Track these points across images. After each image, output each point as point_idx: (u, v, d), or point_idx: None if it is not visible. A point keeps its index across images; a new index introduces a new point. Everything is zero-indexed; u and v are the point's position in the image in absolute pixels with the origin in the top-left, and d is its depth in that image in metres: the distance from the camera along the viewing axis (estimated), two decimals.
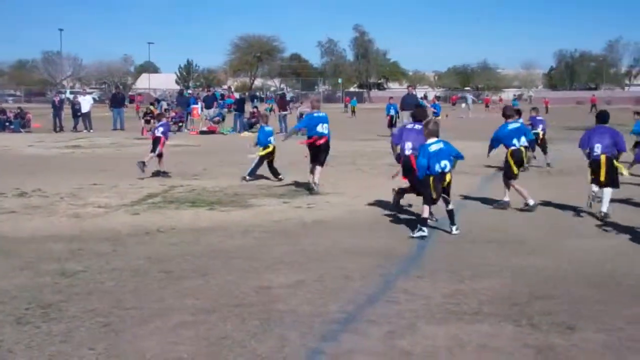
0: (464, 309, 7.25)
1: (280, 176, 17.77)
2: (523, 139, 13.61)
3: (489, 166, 19.68)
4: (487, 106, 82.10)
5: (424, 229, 10.88)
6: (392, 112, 35.53)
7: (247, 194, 15.36)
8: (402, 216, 12.62)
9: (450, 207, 11.33)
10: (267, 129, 18.66)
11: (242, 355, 6.02)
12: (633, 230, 11.33)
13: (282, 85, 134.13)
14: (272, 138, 18.36)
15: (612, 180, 12.61)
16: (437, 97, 57.54)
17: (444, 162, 11.11)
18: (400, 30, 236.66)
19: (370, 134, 35.62)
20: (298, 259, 9.41)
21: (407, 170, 12.37)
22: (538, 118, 21.62)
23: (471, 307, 7.31)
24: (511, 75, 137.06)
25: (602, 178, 12.56)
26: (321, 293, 7.81)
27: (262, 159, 18.07)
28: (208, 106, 40.05)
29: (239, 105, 40.40)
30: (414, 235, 10.79)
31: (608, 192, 12.55)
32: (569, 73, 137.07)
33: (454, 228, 11.15)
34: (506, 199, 13.54)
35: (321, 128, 15.93)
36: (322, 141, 15.83)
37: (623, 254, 9.79)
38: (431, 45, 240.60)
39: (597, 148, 12.70)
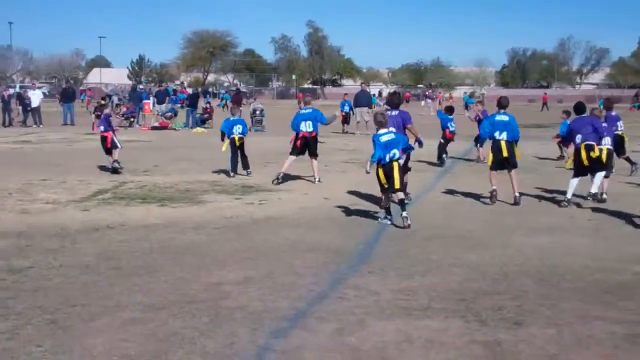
0: (413, 305, 7.31)
1: (232, 174, 17.72)
2: (505, 133, 14.01)
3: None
4: (439, 103, 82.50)
5: (388, 217, 11.56)
6: (347, 108, 35.65)
7: (198, 190, 15.30)
8: (353, 212, 12.68)
9: (401, 196, 11.61)
10: (232, 119, 18.54)
11: (191, 352, 6.01)
12: (574, 226, 11.56)
13: (235, 81, 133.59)
14: (237, 128, 18.16)
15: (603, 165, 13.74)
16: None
17: (394, 151, 11.57)
18: (355, 27, 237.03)
19: (324, 131, 35.61)
20: (249, 256, 9.41)
21: None
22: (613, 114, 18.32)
23: (420, 303, 7.38)
24: (464, 73, 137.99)
25: (585, 163, 13.61)
26: (271, 289, 7.83)
27: (231, 150, 18.03)
28: (160, 101, 39.79)
29: (192, 101, 40.16)
30: (381, 221, 11.56)
31: (599, 175, 13.67)
32: (521, 71, 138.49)
33: (404, 213, 11.36)
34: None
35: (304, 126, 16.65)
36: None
37: (565, 249, 9.95)
38: (385, 42, 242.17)
39: (578, 138, 13.77)
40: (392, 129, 12.37)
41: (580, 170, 13.84)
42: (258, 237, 10.61)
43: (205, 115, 39.30)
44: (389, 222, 11.57)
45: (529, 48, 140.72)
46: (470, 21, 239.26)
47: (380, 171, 11.62)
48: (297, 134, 16.69)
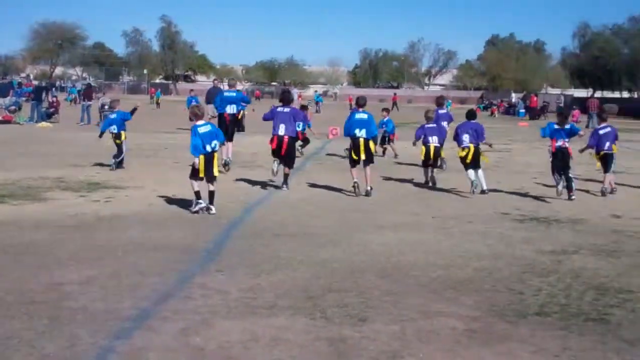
0: (260, 303, 7.32)
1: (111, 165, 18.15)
2: (364, 131, 14.89)
3: None
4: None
5: (199, 201, 12.36)
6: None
7: (42, 187, 14.79)
8: (200, 210, 12.58)
9: (212, 188, 12.46)
10: (112, 116, 19.12)
11: (30, 354, 5.81)
12: (419, 223, 11.90)
13: (84, 75, 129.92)
14: (112, 127, 18.69)
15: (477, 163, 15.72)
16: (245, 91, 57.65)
17: (214, 143, 12.51)
18: (209, 23, 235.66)
19: (173, 127, 35.22)
20: (92, 255, 9.17)
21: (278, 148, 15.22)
22: None
23: (267, 301, 7.39)
24: (317, 72, 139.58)
25: (469, 161, 15.61)
26: (115, 289, 7.66)
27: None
28: (3, 95, 38.35)
29: (37, 94, 38.85)
30: (193, 210, 12.31)
31: (480, 173, 15.57)
32: (373, 71, 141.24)
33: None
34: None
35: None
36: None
37: (410, 245, 10.20)
38: (239, 39, 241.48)
39: (466, 139, 15.69)
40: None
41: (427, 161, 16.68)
42: (103, 236, 10.37)
43: (51, 110, 38.11)
44: (195, 208, 12.37)
45: (381, 49, 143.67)
46: (324, 21, 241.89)
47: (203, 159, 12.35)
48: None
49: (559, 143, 14.92)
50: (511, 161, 22.99)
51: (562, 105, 69.15)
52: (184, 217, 12.00)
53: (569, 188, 14.78)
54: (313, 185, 16.11)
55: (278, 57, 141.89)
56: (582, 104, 62.45)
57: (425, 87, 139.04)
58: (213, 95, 34.90)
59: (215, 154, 12.55)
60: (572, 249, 10.16)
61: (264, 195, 14.71)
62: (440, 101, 21.07)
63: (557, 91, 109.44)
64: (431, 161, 16.85)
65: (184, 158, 20.34)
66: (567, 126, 15.28)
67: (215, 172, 12.56)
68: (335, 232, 11.06)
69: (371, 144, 15.08)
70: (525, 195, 15.54)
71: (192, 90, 38.67)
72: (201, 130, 12.43)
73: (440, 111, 19.63)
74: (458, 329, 6.69)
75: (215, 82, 38.93)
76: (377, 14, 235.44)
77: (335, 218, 12.31)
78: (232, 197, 14.11)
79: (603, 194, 15.87)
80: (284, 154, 15.23)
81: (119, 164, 18.19)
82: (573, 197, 14.61)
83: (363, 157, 14.85)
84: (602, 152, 16.18)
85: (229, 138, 17.82)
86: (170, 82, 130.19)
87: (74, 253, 9.25)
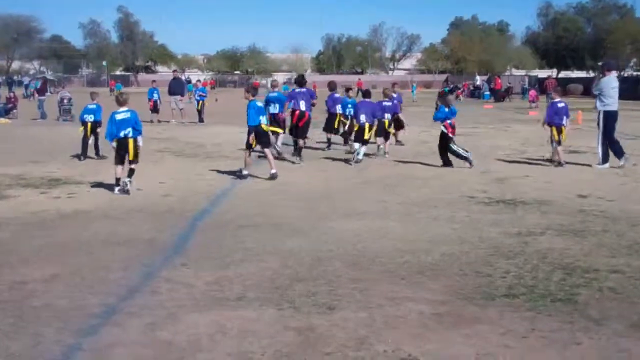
0: (228, 295, 7.34)
1: (82, 158, 18.98)
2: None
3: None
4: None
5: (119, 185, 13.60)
6: (155, 96, 35.07)
7: (2, 184, 14.66)
8: (167, 202, 12.57)
9: (133, 167, 13.76)
10: (90, 106, 19.59)
11: None
12: (386, 210, 11.97)
13: (42, 68, 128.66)
14: (88, 116, 19.33)
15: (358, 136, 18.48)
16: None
17: (128, 130, 13.57)
18: (168, 12, 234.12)
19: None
20: (55, 252, 9.12)
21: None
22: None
23: (235, 293, 7.41)
24: (281, 59, 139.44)
25: (366, 137, 18.32)
26: (79, 286, 7.63)
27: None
28: None
29: None
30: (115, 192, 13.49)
31: (363, 148, 18.20)
32: (336, 57, 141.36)
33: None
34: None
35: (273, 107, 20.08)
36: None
37: (376, 233, 10.26)
38: (200, 28, 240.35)
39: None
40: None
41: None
42: (66, 232, 10.31)
43: (9, 105, 37.69)
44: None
45: (344, 34, 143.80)
46: (286, 7, 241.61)
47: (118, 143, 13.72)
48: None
49: (362, 121, 18.12)
50: (478, 144, 23.14)
51: (526, 86, 69.76)
52: (147, 211, 11.96)
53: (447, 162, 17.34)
54: (279, 175, 16.10)
55: (240, 45, 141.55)
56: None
57: (390, 72, 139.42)
58: (174, 87, 34.97)
59: (130, 140, 13.62)
60: (538, 230, 10.29)
61: (229, 186, 14.71)
62: (332, 86, 22.55)
63: (521, 72, 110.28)
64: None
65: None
66: (448, 109, 17.45)
67: (131, 157, 13.68)
68: (302, 221, 11.09)
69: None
70: (491, 178, 15.67)
71: (154, 81, 38.46)
72: (118, 117, 13.60)
73: (336, 95, 22.11)
74: (425, 313, 6.76)
75: (175, 73, 38.82)
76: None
77: (302, 207, 12.34)
78: (196, 189, 14.11)
79: (560, 164, 17.41)
80: (302, 125, 18.81)
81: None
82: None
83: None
84: (560, 126, 17.62)
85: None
86: (131, 73, 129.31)
87: (37, 251, 9.19)
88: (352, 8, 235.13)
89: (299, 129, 18.88)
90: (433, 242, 9.62)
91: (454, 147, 17.40)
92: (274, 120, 20.05)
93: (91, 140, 19.34)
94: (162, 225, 10.77)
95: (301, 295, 7.31)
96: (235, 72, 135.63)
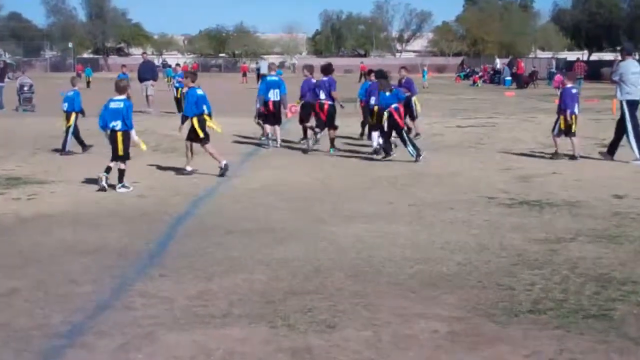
0: (212, 312, 7.32)
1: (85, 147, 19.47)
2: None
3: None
4: (244, 75, 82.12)
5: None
6: None
7: None
8: (142, 204, 12.56)
9: (122, 167, 14.23)
10: (69, 94, 19.70)
11: None
12: (394, 213, 11.96)
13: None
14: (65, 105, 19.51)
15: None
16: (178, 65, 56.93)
17: (117, 122, 14.17)
18: None
19: None
20: (14, 262, 9.11)
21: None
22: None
23: (220, 309, 7.39)
24: (272, 40, 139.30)
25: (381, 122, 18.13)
26: (42, 302, 7.62)
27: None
28: None
29: None
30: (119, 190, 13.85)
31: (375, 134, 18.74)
32: (336, 38, 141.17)
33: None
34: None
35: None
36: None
37: (383, 238, 10.26)
38: (179, 4, 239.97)
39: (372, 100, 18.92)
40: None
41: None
42: (26, 240, 10.30)
43: None
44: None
45: (344, 11, 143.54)
46: None
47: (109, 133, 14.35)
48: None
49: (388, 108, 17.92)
50: (497, 137, 23.17)
51: (553, 70, 69.74)
52: (120, 215, 11.94)
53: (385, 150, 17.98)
54: (270, 173, 16.11)
55: (226, 24, 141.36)
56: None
57: (397, 54, 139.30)
58: (144, 71, 34.93)
59: (119, 134, 14.16)
60: (568, 236, 10.28)
61: (214, 185, 14.68)
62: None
63: (548, 55, 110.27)
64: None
65: None
66: (388, 93, 18.20)
67: (120, 152, 14.15)
68: (298, 226, 11.09)
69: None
70: (514, 176, 15.66)
71: (124, 65, 38.42)
72: (112, 105, 14.32)
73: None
74: (440, 332, 6.75)
75: (145, 55, 38.95)
76: None
77: (298, 209, 12.33)
78: (176, 189, 14.10)
79: (574, 157, 17.78)
80: (325, 117, 19.54)
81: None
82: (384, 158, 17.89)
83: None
84: (573, 115, 17.96)
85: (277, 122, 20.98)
86: (101, 56, 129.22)
87: None
88: None
89: (320, 121, 19.78)
90: (448, 250, 9.61)
91: (405, 135, 18.18)
92: (274, 108, 20.39)
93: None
94: (137, 231, 10.76)
95: (296, 311, 7.29)
96: (221, 54, 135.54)
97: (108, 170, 14.08)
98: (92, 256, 9.37)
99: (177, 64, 48.34)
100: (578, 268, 8.70)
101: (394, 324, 6.96)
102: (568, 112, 17.75)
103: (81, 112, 19.72)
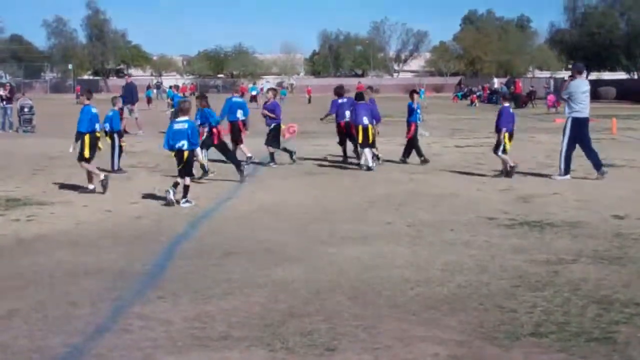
0: (210, 334, 7.26)
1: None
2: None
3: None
4: (242, 96, 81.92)
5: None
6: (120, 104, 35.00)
7: None
8: (139, 226, 12.50)
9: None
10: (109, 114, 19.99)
11: None
12: (392, 233, 11.91)
13: (0, 73, 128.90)
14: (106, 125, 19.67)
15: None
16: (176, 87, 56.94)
17: (183, 142, 14.65)
18: (141, 9, 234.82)
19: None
20: (13, 284, 9.06)
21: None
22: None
23: (219, 332, 7.33)
24: (270, 61, 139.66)
25: (371, 140, 20.39)
26: (41, 324, 7.56)
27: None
28: None
29: None
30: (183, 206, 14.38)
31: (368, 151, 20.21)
32: (334, 58, 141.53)
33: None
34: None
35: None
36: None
37: (382, 259, 10.21)
38: (178, 26, 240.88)
39: (365, 119, 20.29)
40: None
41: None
42: (25, 261, 10.25)
43: None
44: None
45: (342, 31, 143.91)
46: (276, 1, 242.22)
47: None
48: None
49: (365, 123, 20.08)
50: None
51: (550, 90, 69.87)
52: (119, 237, 11.88)
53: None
54: (268, 194, 16.06)
55: (224, 45, 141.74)
56: None
57: (395, 74, 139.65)
58: (125, 95, 34.98)
59: (186, 153, 14.65)
60: (570, 258, 10.22)
61: (212, 206, 14.64)
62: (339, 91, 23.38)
63: (546, 74, 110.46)
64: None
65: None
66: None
67: (186, 169, 14.72)
68: (296, 247, 11.03)
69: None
70: (514, 196, 15.61)
71: (177, 87, 39.07)
72: (176, 127, 14.85)
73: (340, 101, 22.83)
74: (441, 355, 6.68)
75: (127, 78, 39.46)
76: None
77: (296, 230, 12.28)
78: (174, 210, 14.04)
79: (509, 172, 18.42)
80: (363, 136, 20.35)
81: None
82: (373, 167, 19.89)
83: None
84: (511, 132, 19.08)
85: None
86: (100, 78, 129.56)
87: None
88: (350, 1, 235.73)
89: (353, 138, 21.31)
90: (448, 271, 9.55)
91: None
92: (238, 129, 20.93)
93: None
94: (135, 253, 10.70)
95: (295, 334, 7.23)
96: (219, 75, 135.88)
97: (175, 185, 14.63)
98: (90, 278, 9.32)
99: (177, 86, 48.33)
100: (580, 290, 8.64)
101: (394, 347, 6.89)
102: (503, 130, 18.62)
103: (119, 132, 20.05)
